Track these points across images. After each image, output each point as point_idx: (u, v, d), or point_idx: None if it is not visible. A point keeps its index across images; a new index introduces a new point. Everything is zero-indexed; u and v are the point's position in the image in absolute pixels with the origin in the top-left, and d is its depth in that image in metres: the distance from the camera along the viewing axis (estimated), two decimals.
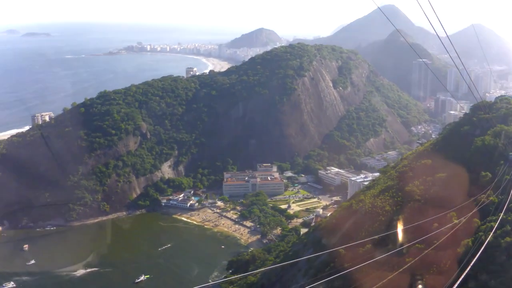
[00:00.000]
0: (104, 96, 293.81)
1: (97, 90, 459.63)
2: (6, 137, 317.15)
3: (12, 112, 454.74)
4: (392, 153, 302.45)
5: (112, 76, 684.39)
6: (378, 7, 61.44)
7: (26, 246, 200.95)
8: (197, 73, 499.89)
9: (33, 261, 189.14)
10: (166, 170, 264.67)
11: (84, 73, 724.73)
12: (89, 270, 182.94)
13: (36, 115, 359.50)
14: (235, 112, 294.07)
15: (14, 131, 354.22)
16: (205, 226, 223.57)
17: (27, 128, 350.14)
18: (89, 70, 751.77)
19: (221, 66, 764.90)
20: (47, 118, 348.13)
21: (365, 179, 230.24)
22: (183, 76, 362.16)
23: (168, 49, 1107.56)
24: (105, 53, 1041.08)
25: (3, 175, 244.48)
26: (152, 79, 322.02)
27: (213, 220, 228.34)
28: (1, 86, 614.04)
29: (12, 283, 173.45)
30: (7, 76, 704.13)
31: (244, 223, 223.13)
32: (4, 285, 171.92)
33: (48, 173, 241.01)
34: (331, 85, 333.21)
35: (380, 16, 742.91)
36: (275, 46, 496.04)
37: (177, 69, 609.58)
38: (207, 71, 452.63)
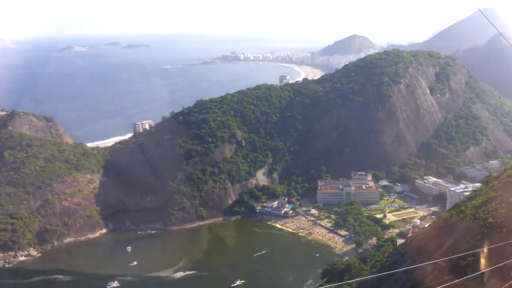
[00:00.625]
0: (201, 105, 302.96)
1: (193, 99, 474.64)
2: (109, 144, 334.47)
3: (115, 121, 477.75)
4: (494, 163, 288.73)
5: (207, 85, 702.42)
6: (479, 10, 60.03)
7: (129, 248, 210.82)
8: (290, 81, 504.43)
9: (135, 263, 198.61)
10: (261, 177, 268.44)
11: (180, 82, 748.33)
12: (187, 272, 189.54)
13: (137, 123, 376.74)
14: (329, 119, 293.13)
15: (117, 139, 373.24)
16: (300, 234, 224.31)
17: (129, 135, 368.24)
18: (185, 80, 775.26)
19: (314, 73, 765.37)
20: (147, 126, 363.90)
21: (466, 190, 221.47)
22: (276, 85, 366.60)
23: (261, 57, 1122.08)
24: (200, 63, 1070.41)
25: (108, 180, 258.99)
26: (247, 88, 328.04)
27: (307, 228, 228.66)
28: (104, 96, 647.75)
29: (116, 282, 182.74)
30: (110, 86, 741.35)
31: (339, 231, 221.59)
32: (108, 284, 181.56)
33: (148, 179, 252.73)
34: (428, 92, 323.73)
35: (478, 20, 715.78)
36: (369, 53, 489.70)
37: (270, 78, 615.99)
38: (300, 79, 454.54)
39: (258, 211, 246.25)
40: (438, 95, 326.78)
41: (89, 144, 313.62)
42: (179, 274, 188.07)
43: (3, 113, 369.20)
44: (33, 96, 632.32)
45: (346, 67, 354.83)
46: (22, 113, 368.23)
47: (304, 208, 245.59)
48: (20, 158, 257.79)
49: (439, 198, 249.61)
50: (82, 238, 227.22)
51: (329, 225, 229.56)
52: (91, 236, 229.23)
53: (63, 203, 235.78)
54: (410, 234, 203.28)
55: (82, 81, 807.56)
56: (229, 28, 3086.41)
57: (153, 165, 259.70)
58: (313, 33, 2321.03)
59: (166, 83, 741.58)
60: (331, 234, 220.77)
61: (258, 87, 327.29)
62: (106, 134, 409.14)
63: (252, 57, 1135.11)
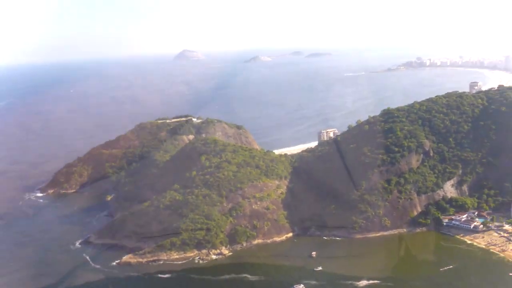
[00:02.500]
0: (387, 114, 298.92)
1: (377, 107, 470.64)
2: (295, 151, 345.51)
3: (300, 128, 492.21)
4: None
5: (392, 93, 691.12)
6: None
7: (314, 253, 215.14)
8: (482, 88, 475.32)
9: (320, 268, 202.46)
10: (449, 189, 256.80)
11: (364, 90, 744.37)
12: (371, 282, 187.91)
13: (322, 131, 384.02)
14: None
15: (302, 146, 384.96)
16: (491, 250, 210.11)
17: (314, 143, 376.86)
18: (369, 87, 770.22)
19: (508, 79, 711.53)
20: (331, 135, 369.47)
21: None
22: (467, 92, 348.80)
23: (448, 63, 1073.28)
24: (384, 70, 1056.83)
25: (295, 186, 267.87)
26: (436, 96, 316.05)
27: (500, 245, 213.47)
28: (289, 104, 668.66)
29: (302, 285, 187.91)
30: (294, 94, 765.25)
31: None
32: (295, 286, 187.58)
33: (334, 186, 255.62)
34: None
35: None
36: None
37: (459, 84, 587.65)
38: (492, 85, 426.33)
39: (445, 224, 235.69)
40: None
41: (275, 151, 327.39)
42: (363, 283, 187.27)
43: (199, 121, 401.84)
44: (223, 104, 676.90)
45: None
46: (216, 121, 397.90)
47: (496, 223, 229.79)
48: (215, 163, 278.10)
49: None
50: (269, 241, 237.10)
51: None
52: (277, 239, 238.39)
53: (253, 206, 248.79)
54: None
55: (267, 89, 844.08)
56: (413, 34, 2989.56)
57: (338, 173, 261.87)
58: (506, 34, 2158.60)
59: (349, 91, 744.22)
60: None
61: (448, 95, 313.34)
62: (291, 141, 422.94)
63: (439, 63, 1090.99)
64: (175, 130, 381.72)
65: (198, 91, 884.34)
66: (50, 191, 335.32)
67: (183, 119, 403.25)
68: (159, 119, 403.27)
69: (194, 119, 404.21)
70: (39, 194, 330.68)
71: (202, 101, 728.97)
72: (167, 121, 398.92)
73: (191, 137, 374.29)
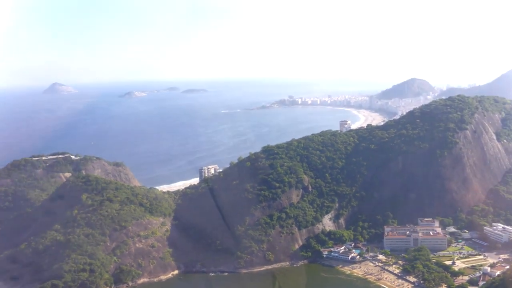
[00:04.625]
0: (267, 151, 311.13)
1: (254, 143, 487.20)
2: (176, 188, 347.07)
3: (179, 165, 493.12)
4: None
5: (268, 129, 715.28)
6: None
7: None
8: (351, 126, 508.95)
9: None
10: (327, 223, 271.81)
11: (240, 127, 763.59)
12: None
13: (203, 168, 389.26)
14: (395, 165, 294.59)
15: (182, 183, 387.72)
16: (368, 279, 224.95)
17: (194, 179, 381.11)
18: (245, 124, 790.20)
19: (373, 117, 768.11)
20: (212, 171, 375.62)
21: None
22: (339, 130, 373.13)
23: (318, 101, 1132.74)
24: (259, 107, 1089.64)
25: (179, 223, 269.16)
26: (312, 134, 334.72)
27: (376, 274, 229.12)
28: (167, 140, 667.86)
29: None
30: (171, 131, 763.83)
31: (408, 278, 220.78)
32: None
33: (218, 222, 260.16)
34: (495, 137, 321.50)
35: None
36: (428, 96, 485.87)
37: (330, 122, 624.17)
38: (359, 123, 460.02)
39: (325, 256, 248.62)
40: (505, 140, 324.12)
41: (157, 187, 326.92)
42: None
43: (77, 158, 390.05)
44: (98, 141, 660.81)
45: (410, 113, 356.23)
46: (94, 158, 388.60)
47: (371, 254, 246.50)
48: (97, 201, 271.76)
49: (509, 245, 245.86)
50: (155, 279, 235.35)
51: (397, 271, 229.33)
52: (163, 277, 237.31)
53: (138, 245, 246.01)
54: (481, 282, 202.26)
55: (144, 125, 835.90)
56: (285, 72, 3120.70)
57: (222, 210, 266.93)
58: (370, 75, 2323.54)
59: (226, 127, 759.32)
60: (400, 281, 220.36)
61: (323, 133, 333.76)
62: (172, 178, 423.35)
63: (309, 101, 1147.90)
64: (52, 167, 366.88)
65: (72, 127, 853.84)
66: None
67: (60, 156, 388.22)
68: (34, 156, 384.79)
69: (72, 156, 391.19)
70: None
71: (76, 137, 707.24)
72: (43, 158, 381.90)
73: (68, 174, 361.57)
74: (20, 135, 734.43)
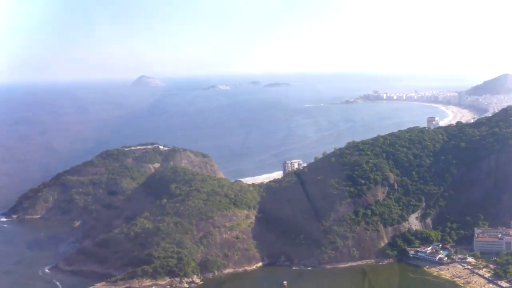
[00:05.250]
0: (353, 147, 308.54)
1: (338, 139, 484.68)
2: (260, 181, 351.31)
3: (263, 158, 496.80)
4: None
5: (351, 124, 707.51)
6: None
7: (285, 282, 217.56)
8: (440, 123, 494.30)
9: None
10: (413, 222, 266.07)
11: (323, 121, 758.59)
12: None
13: (287, 162, 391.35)
14: (486, 165, 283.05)
15: (266, 176, 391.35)
16: (456, 282, 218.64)
17: (277, 173, 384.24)
18: (328, 119, 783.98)
19: (462, 114, 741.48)
20: (296, 165, 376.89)
21: None
22: (427, 127, 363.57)
23: (404, 97, 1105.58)
24: (342, 102, 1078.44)
25: (264, 216, 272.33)
26: (398, 130, 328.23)
27: (464, 277, 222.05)
28: (251, 133, 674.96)
29: None
30: (255, 124, 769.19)
31: (499, 282, 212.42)
32: None
33: (302, 217, 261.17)
34: None
35: None
36: None
37: (416, 118, 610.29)
38: (448, 119, 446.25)
39: (411, 255, 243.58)
40: None
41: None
42: None
43: (165, 149, 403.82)
44: (185, 132, 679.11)
45: (504, 110, 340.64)
46: (182, 149, 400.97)
47: (460, 256, 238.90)
48: (185, 191, 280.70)
49: None
50: (240, 270, 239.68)
51: (488, 275, 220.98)
52: (248, 268, 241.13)
53: (223, 236, 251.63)
54: None
55: (228, 118, 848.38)
56: (368, 66, 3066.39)
57: (306, 204, 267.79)
58: (460, 70, 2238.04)
59: (310, 122, 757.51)
60: (491, 285, 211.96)
61: (410, 130, 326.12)
62: (255, 171, 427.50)
63: (395, 97, 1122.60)
64: (142, 157, 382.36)
65: (160, 119, 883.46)
66: (14, 216, 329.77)
67: (149, 146, 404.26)
68: (125, 146, 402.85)
69: (161, 147, 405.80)
70: (3, 219, 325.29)
71: (164, 128, 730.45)
72: (133, 148, 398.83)
73: (157, 165, 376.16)
74: (111, 125, 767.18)
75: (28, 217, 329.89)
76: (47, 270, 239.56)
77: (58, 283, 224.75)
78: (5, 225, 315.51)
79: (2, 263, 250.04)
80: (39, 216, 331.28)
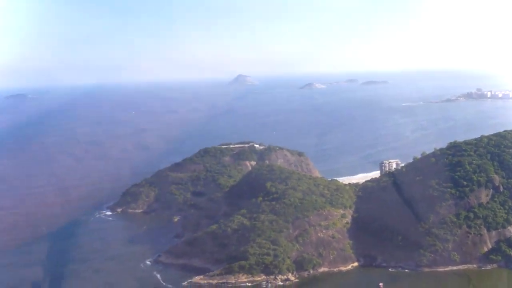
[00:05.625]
0: (454, 147, 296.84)
1: (438, 138, 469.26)
2: (355, 181, 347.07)
3: (359, 157, 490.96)
4: None
5: (452, 123, 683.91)
6: None
7: (381, 284, 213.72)
8: None
9: None
10: None
11: (423, 120, 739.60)
12: None
13: (384, 162, 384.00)
14: None
15: (362, 175, 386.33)
16: None
17: (374, 173, 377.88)
18: (427, 118, 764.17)
19: None
20: (393, 165, 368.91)
21: None
22: None
23: (511, 95, 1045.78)
24: (442, 100, 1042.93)
25: (360, 216, 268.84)
26: (504, 130, 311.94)
27: None
28: (346, 133, 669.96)
29: None
30: (350, 123, 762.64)
31: None
32: None
33: (400, 218, 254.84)
34: None
35: None
36: None
37: None
38: None
39: None
40: None
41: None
42: None
43: (261, 147, 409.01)
44: (280, 131, 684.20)
45: None
46: (277, 148, 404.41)
47: None
48: (280, 190, 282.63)
49: None
50: (335, 270, 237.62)
51: None
52: (343, 268, 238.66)
53: (319, 234, 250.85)
54: None
55: (323, 117, 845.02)
56: (472, 62, 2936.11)
57: (404, 205, 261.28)
58: None
59: (408, 121, 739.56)
60: None
61: None
62: (351, 170, 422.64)
63: (500, 95, 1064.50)
64: (239, 155, 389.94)
65: (256, 117, 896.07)
66: (119, 210, 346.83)
67: (246, 145, 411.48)
68: (223, 144, 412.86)
69: (257, 145, 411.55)
70: (108, 213, 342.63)
71: (259, 127, 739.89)
72: (231, 146, 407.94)
73: (253, 163, 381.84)
74: (207, 123, 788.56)
75: (131, 211, 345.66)
76: (148, 263, 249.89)
77: (158, 275, 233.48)
78: (110, 219, 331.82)
79: (106, 254, 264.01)
80: (141, 210, 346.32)
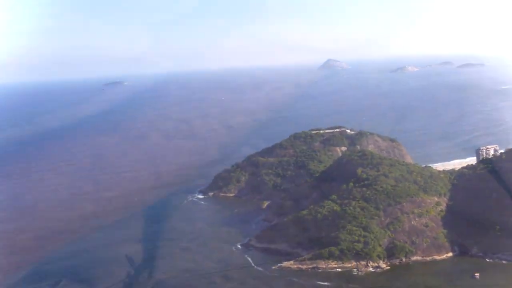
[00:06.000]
0: None
1: None
2: (450, 167, 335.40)
3: (454, 143, 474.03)
4: None
5: None
6: None
7: (477, 275, 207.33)
8: None
9: None
10: None
11: None
12: None
13: (481, 148, 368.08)
14: None
15: (457, 162, 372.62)
16: None
17: (469, 159, 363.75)
18: None
19: None
20: (491, 151, 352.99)
21: None
22: None
23: None
24: None
25: (455, 204, 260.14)
26: None
27: None
28: (439, 117, 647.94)
29: None
30: (447, 107, 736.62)
31: None
32: None
33: (499, 207, 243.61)
34: None
35: None
36: None
37: None
38: None
39: None
40: None
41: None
42: None
43: (352, 132, 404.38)
44: (370, 116, 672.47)
45: None
46: (368, 133, 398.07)
47: None
48: (372, 176, 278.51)
49: None
50: (428, 258, 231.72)
51: None
52: (437, 257, 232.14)
53: (412, 222, 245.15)
54: None
55: (416, 102, 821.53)
56: None
57: (503, 193, 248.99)
58: None
59: (508, 105, 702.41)
60: None
61: None
62: (446, 157, 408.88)
63: None
64: (329, 140, 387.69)
65: (345, 102, 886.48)
66: (210, 193, 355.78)
67: (337, 130, 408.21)
68: (313, 129, 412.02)
69: (347, 131, 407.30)
70: (200, 196, 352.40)
71: (349, 112, 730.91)
72: (321, 131, 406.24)
73: (343, 148, 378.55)
74: (296, 108, 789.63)
75: (222, 195, 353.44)
76: (239, 246, 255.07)
77: (249, 259, 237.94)
78: (202, 202, 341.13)
79: (200, 237, 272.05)
80: (232, 194, 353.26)
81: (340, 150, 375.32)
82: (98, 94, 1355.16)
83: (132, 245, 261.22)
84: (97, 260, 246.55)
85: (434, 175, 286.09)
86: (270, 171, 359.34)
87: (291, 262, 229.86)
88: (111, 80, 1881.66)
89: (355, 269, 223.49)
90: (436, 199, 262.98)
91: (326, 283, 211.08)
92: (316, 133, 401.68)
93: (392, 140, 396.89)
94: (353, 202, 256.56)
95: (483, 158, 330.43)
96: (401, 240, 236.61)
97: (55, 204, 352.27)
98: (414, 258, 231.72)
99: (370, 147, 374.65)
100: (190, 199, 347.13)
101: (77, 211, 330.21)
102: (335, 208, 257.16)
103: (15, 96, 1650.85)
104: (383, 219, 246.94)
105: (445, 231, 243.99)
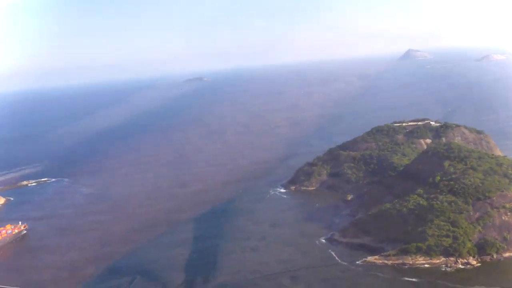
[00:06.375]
0: None
1: None
2: None
3: None
4: None
5: None
6: None
7: None
8: None
9: None
10: None
11: None
12: None
13: None
14: None
15: None
16: None
17: None
18: None
19: None
20: None
21: None
22: None
23: None
24: None
25: None
26: None
27: None
28: None
29: None
30: None
31: None
32: None
33: None
34: None
35: None
36: None
37: None
38: None
39: None
40: None
41: None
42: None
43: (437, 124, 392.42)
44: (455, 107, 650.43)
45: None
46: (454, 125, 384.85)
47: None
48: (459, 169, 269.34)
49: None
50: None
51: None
52: None
53: (503, 217, 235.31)
54: None
55: (503, 91, 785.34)
56: None
57: None
58: None
59: None
60: None
61: None
62: None
63: None
64: (412, 133, 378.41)
65: (428, 93, 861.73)
66: (292, 187, 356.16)
67: (420, 122, 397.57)
68: (395, 122, 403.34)
69: (432, 123, 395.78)
70: (282, 190, 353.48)
71: (433, 103, 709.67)
72: (404, 124, 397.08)
73: (428, 141, 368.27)
74: (373, 101, 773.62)
75: (304, 188, 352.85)
76: (323, 240, 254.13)
77: (333, 253, 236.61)
78: (284, 196, 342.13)
79: (283, 233, 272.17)
80: (313, 188, 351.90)
81: (425, 142, 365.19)
82: (177, 90, 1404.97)
83: (211, 241, 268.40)
84: (173, 257, 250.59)
85: None
86: (352, 164, 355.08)
87: (376, 257, 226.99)
88: (191, 77, 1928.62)
89: (443, 265, 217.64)
90: None
91: (414, 279, 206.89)
92: (399, 126, 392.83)
93: (479, 132, 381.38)
94: (440, 196, 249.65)
95: None
96: (492, 236, 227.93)
97: (142, 198, 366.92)
98: (507, 254, 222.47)
99: (457, 139, 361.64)
100: (273, 192, 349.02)
101: (163, 204, 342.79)
102: (421, 202, 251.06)
103: (108, 93, 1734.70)
104: (472, 213, 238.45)
105: None
